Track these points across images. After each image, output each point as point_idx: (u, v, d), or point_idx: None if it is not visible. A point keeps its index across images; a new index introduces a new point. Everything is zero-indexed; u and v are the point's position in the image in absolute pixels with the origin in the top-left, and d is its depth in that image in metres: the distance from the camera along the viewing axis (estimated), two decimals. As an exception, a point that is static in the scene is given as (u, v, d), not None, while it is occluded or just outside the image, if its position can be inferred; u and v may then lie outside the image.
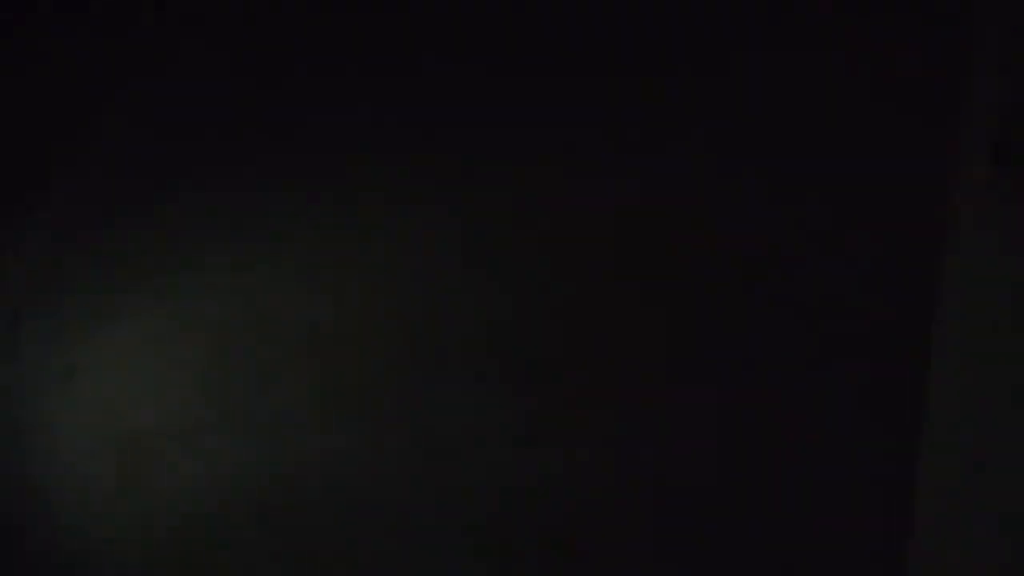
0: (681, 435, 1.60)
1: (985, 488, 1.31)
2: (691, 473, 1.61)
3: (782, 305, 1.53)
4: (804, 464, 1.56)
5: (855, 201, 1.48)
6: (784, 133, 1.50)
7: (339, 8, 1.67)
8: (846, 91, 1.47)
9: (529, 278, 1.62)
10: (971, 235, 1.35)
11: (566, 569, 1.68)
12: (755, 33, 1.50)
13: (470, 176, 1.62)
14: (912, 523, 1.43)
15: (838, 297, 1.51)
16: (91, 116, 1.78)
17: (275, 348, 1.72)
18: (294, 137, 1.67)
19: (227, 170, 1.70)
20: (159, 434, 1.77)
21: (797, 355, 1.53)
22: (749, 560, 1.60)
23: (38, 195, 1.77)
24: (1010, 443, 1.29)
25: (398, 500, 1.71)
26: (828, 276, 1.51)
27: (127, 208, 1.74)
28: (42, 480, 1.82)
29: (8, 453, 1.83)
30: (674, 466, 1.61)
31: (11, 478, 1.83)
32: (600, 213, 1.59)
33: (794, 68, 1.49)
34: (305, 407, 1.72)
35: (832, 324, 1.51)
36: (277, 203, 1.69)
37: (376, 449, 1.71)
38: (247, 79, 1.70)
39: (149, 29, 1.75)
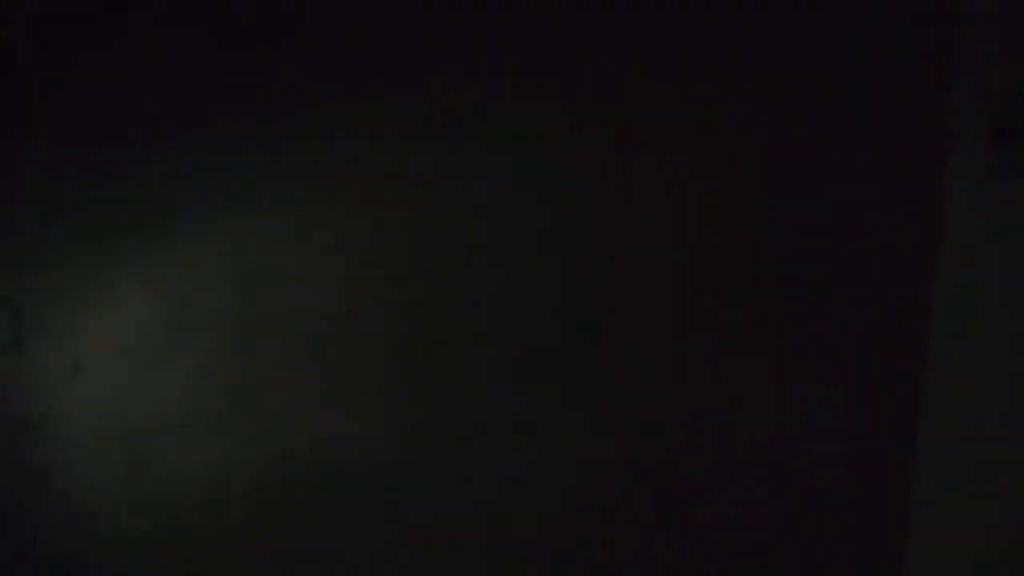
0: (674, 427, 1.60)
1: (982, 481, 1.30)
2: (684, 463, 1.61)
3: (777, 296, 1.53)
4: (798, 458, 1.56)
5: (851, 186, 1.47)
6: (776, 117, 1.49)
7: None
8: (840, 73, 1.46)
9: (527, 271, 1.62)
10: (967, 217, 1.33)
11: (562, 551, 1.69)
12: (743, 18, 1.49)
13: (471, 169, 1.62)
14: (907, 521, 1.42)
15: (834, 282, 1.50)
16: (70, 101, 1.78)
17: (275, 340, 1.73)
18: (292, 127, 1.67)
19: (226, 165, 1.71)
20: (162, 427, 1.79)
21: (791, 347, 1.53)
22: (742, 549, 1.60)
23: (42, 193, 1.78)
24: (1007, 433, 1.28)
25: (399, 487, 1.72)
26: (823, 262, 1.50)
27: (128, 206, 1.74)
28: (50, 472, 1.84)
29: (16, 447, 1.84)
30: (666, 455, 1.61)
31: (20, 471, 1.85)
32: (596, 208, 1.59)
33: (784, 47, 1.48)
34: (305, 398, 1.73)
35: (827, 309, 1.51)
36: (275, 196, 1.69)
37: (378, 438, 1.72)
38: (241, 73, 1.70)
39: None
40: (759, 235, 1.52)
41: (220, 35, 1.68)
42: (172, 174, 1.72)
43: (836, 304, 1.51)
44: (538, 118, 1.58)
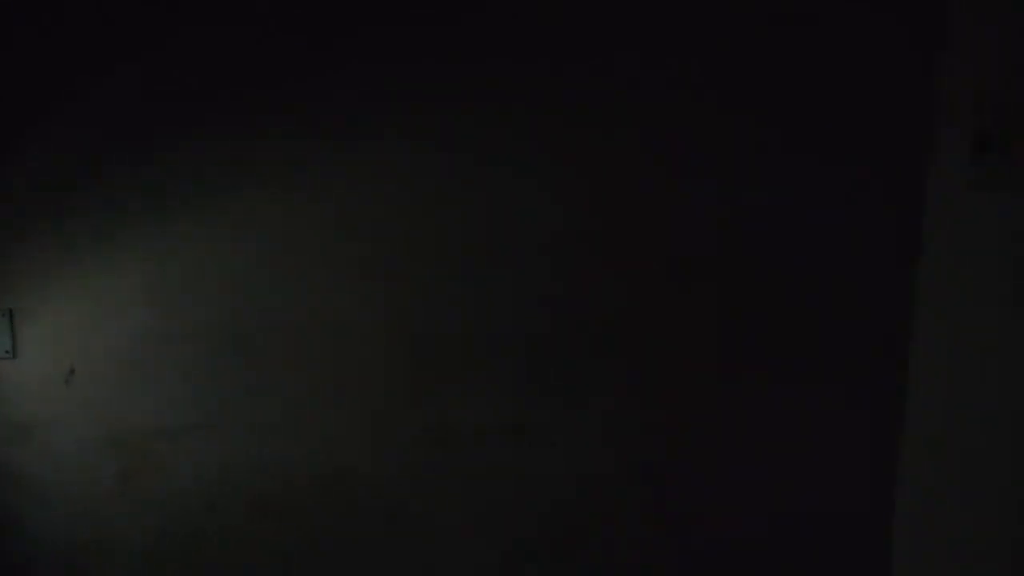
0: (673, 430, 1.61)
1: (963, 481, 1.31)
2: (682, 466, 1.62)
3: (770, 302, 1.54)
4: (793, 460, 1.57)
5: (833, 192, 1.48)
6: (756, 128, 1.50)
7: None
8: (820, 81, 1.46)
9: (529, 276, 1.63)
10: (948, 227, 1.34)
11: (562, 551, 1.70)
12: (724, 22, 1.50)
13: (473, 174, 1.62)
14: (890, 529, 1.43)
15: (824, 287, 1.51)
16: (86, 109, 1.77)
17: (271, 346, 1.72)
18: (291, 134, 1.67)
19: (223, 172, 1.70)
20: (156, 431, 1.79)
21: (785, 352, 1.54)
22: (737, 551, 1.62)
23: (37, 203, 1.78)
24: (989, 440, 1.29)
25: (399, 489, 1.73)
26: (813, 268, 1.51)
27: (122, 215, 1.74)
28: (44, 478, 1.84)
29: (10, 453, 1.84)
30: (665, 459, 1.62)
31: (13, 477, 1.85)
32: (596, 213, 1.59)
33: (761, 58, 1.48)
34: (302, 403, 1.73)
35: (818, 315, 1.52)
36: (273, 202, 1.69)
37: (378, 441, 1.72)
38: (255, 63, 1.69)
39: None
40: (753, 242, 1.53)
41: (222, 40, 1.68)
42: (167, 183, 1.71)
43: (826, 309, 1.52)
44: (540, 123, 1.58)
